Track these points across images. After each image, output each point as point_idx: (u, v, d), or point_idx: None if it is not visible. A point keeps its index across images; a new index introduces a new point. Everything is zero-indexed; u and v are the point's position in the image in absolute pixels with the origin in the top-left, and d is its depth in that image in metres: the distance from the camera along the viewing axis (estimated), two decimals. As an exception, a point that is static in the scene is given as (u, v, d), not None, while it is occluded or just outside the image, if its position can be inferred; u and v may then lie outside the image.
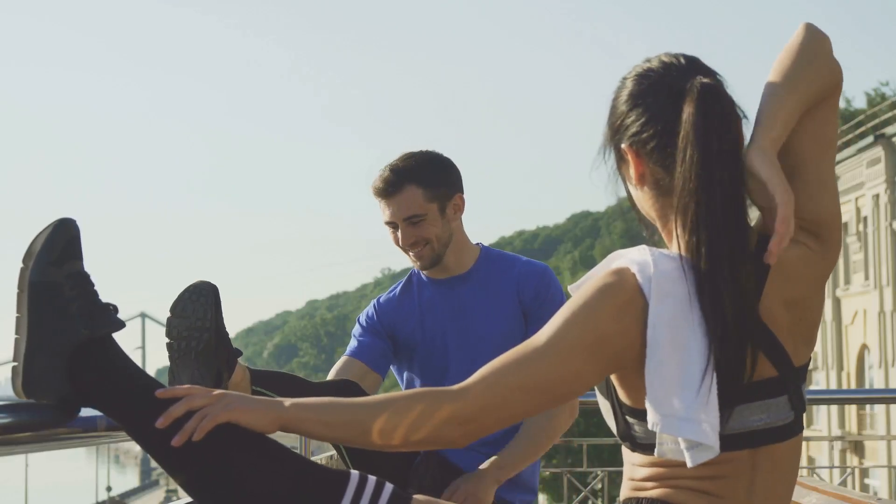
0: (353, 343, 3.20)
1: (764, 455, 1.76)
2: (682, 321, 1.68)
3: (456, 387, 1.76)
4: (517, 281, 3.09)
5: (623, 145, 1.81)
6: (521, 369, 1.73)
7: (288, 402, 1.81)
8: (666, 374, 1.67)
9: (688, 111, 1.71)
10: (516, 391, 1.73)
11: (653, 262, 1.72)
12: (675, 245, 1.77)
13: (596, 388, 1.85)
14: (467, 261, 3.14)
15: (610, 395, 1.81)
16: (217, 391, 1.81)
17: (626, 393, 1.77)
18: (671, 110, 1.75)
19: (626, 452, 1.83)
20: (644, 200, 1.83)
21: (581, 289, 1.76)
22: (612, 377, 1.79)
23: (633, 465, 1.81)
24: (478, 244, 3.21)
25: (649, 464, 1.78)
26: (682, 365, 1.67)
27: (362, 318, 3.24)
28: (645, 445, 1.77)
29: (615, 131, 1.83)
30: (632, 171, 1.81)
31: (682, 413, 1.66)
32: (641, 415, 1.74)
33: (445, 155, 3.14)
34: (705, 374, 1.67)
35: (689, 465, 1.68)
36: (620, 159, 1.84)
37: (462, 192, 3.12)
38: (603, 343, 1.70)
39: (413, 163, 3.06)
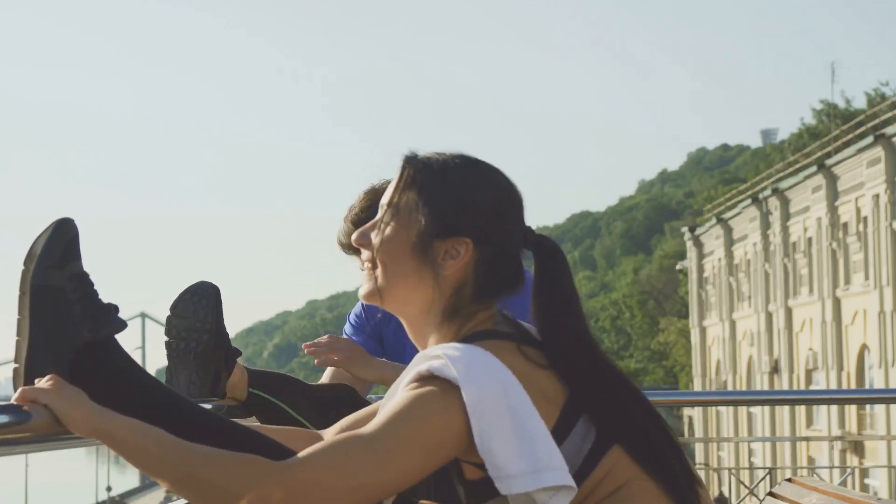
0: None
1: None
2: (499, 389, 1.72)
3: (282, 464, 1.67)
4: None
5: (467, 237, 1.84)
6: (353, 467, 1.67)
7: (113, 420, 1.72)
8: (502, 440, 1.70)
9: (537, 275, 1.87)
10: (353, 489, 1.67)
11: (449, 356, 1.74)
12: (442, 325, 1.86)
13: None
14: None
15: None
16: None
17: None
18: (521, 242, 1.88)
19: None
20: (433, 281, 1.85)
21: (401, 396, 1.75)
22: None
23: None
24: None
25: None
26: (513, 426, 1.70)
27: (352, 316, 3.21)
28: None
29: (462, 215, 1.85)
30: (459, 257, 1.85)
31: (536, 465, 1.69)
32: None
33: None
34: (537, 425, 1.71)
35: None
36: (447, 237, 1.85)
37: None
38: (433, 445, 1.70)
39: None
